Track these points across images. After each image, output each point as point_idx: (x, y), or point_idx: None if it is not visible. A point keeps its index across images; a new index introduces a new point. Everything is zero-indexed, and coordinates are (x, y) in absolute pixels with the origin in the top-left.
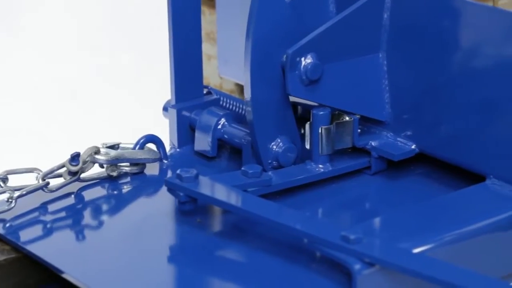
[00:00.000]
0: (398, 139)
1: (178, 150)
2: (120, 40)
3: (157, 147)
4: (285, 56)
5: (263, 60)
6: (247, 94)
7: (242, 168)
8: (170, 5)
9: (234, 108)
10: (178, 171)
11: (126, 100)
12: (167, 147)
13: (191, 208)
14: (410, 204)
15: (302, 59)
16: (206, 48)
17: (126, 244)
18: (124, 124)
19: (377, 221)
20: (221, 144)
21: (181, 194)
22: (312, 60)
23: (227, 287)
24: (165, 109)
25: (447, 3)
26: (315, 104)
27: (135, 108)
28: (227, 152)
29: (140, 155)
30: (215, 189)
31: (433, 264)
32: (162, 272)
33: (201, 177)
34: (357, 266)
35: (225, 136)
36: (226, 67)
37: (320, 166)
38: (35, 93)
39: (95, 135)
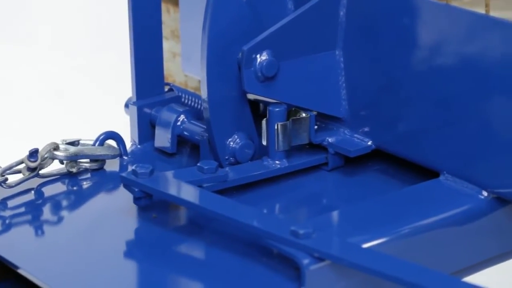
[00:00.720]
0: (355, 135)
1: (138, 146)
2: (99, 39)
3: (117, 144)
4: (240, 53)
5: (219, 57)
6: (204, 91)
7: (198, 164)
8: (130, 2)
9: (195, 105)
10: (133, 167)
11: (97, 97)
12: (129, 144)
13: (146, 204)
14: (365, 199)
15: (258, 56)
16: (171, 45)
17: (83, 240)
18: (92, 120)
19: (328, 216)
20: (182, 140)
21: (136, 189)
22: (267, 57)
23: (181, 281)
24: (126, 106)
25: (403, 1)
26: (273, 100)
27: (107, 105)
28: (188, 149)
29: (99, 151)
30: (170, 185)
31: (382, 259)
32: (117, 268)
33: (156, 173)
34: (305, 261)
35: (185, 133)
36: (189, 64)
37: (277, 162)
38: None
39: (62, 132)
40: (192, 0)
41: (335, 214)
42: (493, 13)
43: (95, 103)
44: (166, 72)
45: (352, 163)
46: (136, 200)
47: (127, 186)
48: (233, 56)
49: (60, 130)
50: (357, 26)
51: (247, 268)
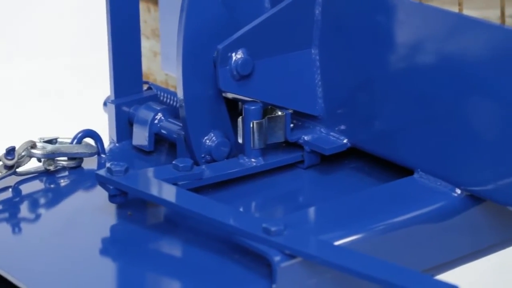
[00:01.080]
0: (331, 133)
1: (117, 145)
2: (81, 39)
3: (95, 142)
4: (216, 51)
5: (195, 55)
6: (179, 90)
7: (173, 162)
8: (108, 1)
9: (174, 103)
10: (108, 165)
11: (78, 96)
12: (107, 142)
13: (122, 201)
14: (340, 197)
15: (233, 54)
16: (152, 44)
17: (60, 238)
18: (72, 119)
19: (301, 213)
20: (161, 139)
21: (111, 187)
22: (242, 56)
23: (156, 278)
24: (105, 104)
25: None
26: (249, 99)
27: (87, 104)
28: (166, 147)
29: (77, 149)
30: (144, 183)
31: (353, 256)
32: (93, 266)
33: (131, 171)
34: (276, 258)
35: (162, 131)
36: (168, 63)
37: (253, 160)
38: None
39: (41, 130)
40: None
41: (308, 212)
42: (467, 12)
43: (76, 102)
44: (147, 71)
45: (328, 161)
46: (111, 198)
47: (102, 184)
48: (209, 55)
49: (39, 128)
50: (333, 25)
51: (220, 266)
